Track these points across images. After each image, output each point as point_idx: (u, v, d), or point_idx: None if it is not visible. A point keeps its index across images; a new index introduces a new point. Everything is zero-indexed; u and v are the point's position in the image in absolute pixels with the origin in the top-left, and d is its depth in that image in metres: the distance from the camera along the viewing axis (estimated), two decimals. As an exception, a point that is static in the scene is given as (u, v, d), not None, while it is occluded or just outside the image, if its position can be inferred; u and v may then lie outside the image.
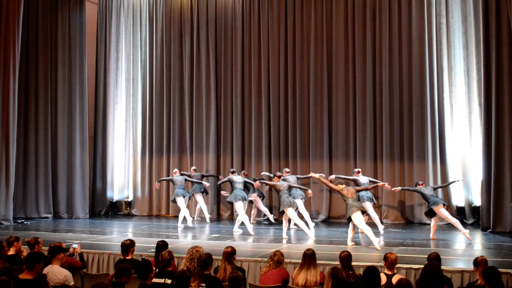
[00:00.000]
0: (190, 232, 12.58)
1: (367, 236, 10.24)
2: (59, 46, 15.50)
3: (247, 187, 13.14)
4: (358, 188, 11.16)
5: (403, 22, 14.29)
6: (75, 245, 7.47)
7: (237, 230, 12.33)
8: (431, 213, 11.10)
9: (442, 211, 10.91)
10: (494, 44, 12.24)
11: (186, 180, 13.80)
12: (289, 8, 15.27)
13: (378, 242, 9.86)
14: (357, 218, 10.15)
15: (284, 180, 12.17)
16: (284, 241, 11.04)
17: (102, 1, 16.91)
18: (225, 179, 13.21)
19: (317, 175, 11.94)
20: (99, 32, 16.86)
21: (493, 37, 12.26)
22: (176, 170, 14.22)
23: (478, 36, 13.28)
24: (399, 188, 12.31)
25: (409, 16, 14.26)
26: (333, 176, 13.17)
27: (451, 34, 13.94)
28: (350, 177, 12.65)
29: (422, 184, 11.66)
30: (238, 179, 12.92)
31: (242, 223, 12.35)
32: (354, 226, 10.38)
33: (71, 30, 15.68)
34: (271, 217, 13.78)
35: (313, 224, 12.54)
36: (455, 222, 11.02)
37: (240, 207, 12.29)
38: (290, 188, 11.88)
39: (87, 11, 16.24)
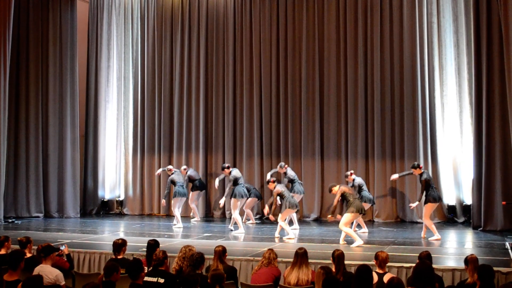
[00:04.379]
0: (181, 231, 12.55)
1: (358, 234, 10.24)
2: (50, 44, 15.40)
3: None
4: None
5: (395, 21, 14.31)
6: (62, 247, 7.51)
7: (233, 228, 12.27)
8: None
9: (428, 207, 10.77)
10: (485, 43, 12.26)
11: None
12: (281, 7, 15.25)
13: (355, 242, 9.89)
14: (348, 217, 10.15)
15: (279, 181, 12.20)
16: (277, 240, 11.04)
17: (94, -1, 16.85)
18: (231, 177, 12.35)
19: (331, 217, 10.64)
20: (91, 31, 16.78)
21: (484, 36, 12.29)
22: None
23: (469, 35, 13.31)
24: (397, 175, 12.16)
25: (400, 16, 14.28)
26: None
27: (442, 33, 13.97)
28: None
29: (421, 167, 11.17)
30: (239, 174, 12.59)
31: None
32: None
33: (62, 28, 15.57)
34: (251, 220, 13.67)
35: (298, 228, 12.48)
36: (429, 223, 10.77)
37: (236, 205, 12.15)
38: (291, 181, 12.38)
39: (78, 9, 16.13)
